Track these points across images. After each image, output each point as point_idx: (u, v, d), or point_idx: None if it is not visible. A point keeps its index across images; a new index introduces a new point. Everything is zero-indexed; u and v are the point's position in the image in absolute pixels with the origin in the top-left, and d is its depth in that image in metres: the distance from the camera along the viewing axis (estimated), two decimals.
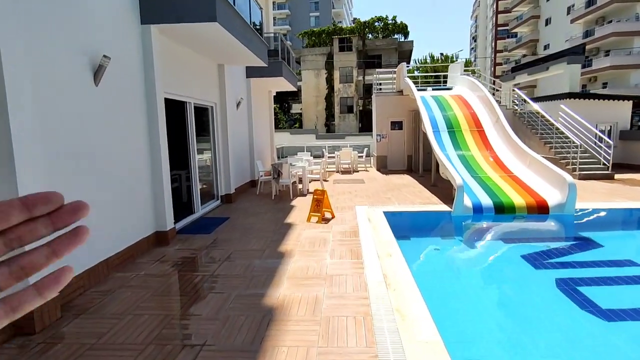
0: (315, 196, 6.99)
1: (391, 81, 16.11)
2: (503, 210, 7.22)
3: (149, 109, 5.48)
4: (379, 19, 38.23)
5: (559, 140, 12.43)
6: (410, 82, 12.17)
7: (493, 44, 71.67)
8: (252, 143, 11.24)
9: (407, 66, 15.21)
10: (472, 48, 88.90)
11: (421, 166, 12.95)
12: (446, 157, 8.73)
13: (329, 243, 5.61)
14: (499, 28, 72.28)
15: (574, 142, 11.74)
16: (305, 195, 9.67)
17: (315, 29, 41.77)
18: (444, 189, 9.84)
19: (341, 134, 26.57)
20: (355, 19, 45.81)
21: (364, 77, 36.96)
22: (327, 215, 7.19)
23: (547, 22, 47.43)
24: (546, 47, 46.89)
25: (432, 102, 11.69)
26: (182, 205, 7.85)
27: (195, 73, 7.45)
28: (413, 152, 14.76)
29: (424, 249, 6.26)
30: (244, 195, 9.86)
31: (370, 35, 39.67)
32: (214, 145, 8.52)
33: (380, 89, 15.59)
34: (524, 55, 51.71)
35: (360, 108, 37.31)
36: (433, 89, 13.79)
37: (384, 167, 15.03)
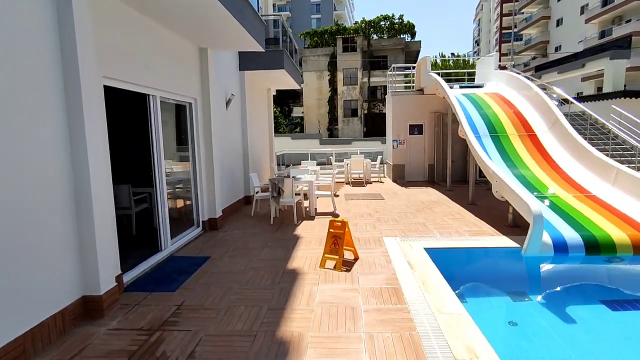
0: (331, 229, 4.87)
1: (410, 78, 14.07)
2: (597, 248, 5.10)
3: (69, 100, 3.37)
4: (385, 17, 36.35)
5: (618, 147, 10.33)
6: (438, 77, 10.10)
7: (498, 47, 70.21)
8: (247, 151, 9.14)
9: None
10: (475, 52, 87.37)
11: (449, 178, 10.85)
12: (500, 170, 6.61)
13: (360, 317, 3.48)
14: (503, 31, 70.97)
15: (639, 150, 9.63)
16: (312, 217, 7.54)
17: (317, 29, 39.91)
18: (488, 210, 7.73)
19: (347, 139, 24.54)
20: (357, 22, 43.86)
21: (369, 79, 35.01)
22: (347, 254, 5.08)
23: (559, 22, 45.61)
24: (557, 48, 45.05)
25: (467, 102, 9.60)
26: (142, 240, 5.73)
27: (165, 56, 5.35)
28: (435, 160, 12.67)
29: (497, 323, 4.10)
30: (234, 218, 7.74)
31: (375, 36, 37.79)
32: (194, 154, 6.41)
33: (395, 88, 13.51)
34: (534, 58, 49.89)
35: (365, 111, 35.32)
36: (461, 87, 11.72)
37: (401, 177, 12.93)
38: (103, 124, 3.83)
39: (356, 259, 5.01)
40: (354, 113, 35.67)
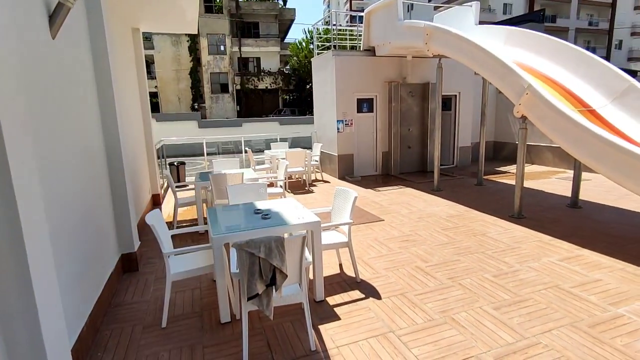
0: None
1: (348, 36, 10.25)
2: None
3: None
4: None
5: None
6: (436, 25, 6.61)
7: None
8: (118, 147, 3.83)
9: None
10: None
11: (436, 172, 7.69)
12: None
13: None
14: None
15: None
16: (336, 317, 3.15)
17: None
18: (574, 230, 4.80)
19: (235, 120, 19.37)
20: None
21: (240, 49, 29.62)
22: None
23: None
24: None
25: None
26: None
27: None
28: (392, 147, 9.42)
29: None
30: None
31: None
32: None
33: (336, 47, 9.53)
34: None
35: (238, 87, 29.96)
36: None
37: (349, 173, 9.26)
38: None
39: None
40: (224, 89, 29.81)
